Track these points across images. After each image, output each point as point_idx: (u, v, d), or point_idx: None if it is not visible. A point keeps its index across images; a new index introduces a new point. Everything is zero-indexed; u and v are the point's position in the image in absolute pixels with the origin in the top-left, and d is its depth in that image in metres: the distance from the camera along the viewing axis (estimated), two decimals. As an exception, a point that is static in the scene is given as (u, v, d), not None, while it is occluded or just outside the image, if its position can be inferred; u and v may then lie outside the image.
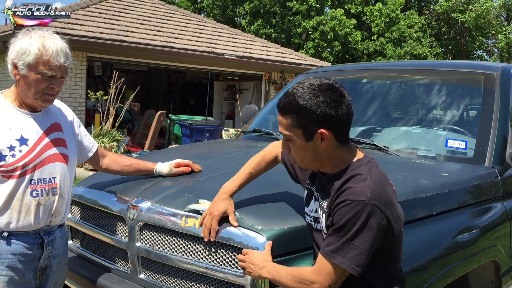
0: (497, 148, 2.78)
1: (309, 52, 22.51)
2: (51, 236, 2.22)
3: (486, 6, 24.69)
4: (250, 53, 13.04)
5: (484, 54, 29.17)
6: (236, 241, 1.93)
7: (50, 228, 2.22)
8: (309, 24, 23.15)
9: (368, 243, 1.51)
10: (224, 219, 1.99)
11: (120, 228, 2.41)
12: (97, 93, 9.99)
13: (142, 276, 2.29)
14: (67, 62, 2.10)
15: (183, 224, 2.08)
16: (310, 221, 1.80)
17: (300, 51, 20.54)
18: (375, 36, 24.55)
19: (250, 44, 13.91)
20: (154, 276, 2.25)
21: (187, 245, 2.10)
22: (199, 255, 2.05)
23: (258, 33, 23.42)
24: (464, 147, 2.87)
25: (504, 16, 28.75)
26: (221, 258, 1.99)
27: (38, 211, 2.12)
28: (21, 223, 2.10)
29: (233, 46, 13.13)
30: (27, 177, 2.09)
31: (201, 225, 2.00)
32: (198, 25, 14.15)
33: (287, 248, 1.90)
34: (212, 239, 1.96)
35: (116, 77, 9.71)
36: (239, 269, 1.94)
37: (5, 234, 2.09)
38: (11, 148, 2.07)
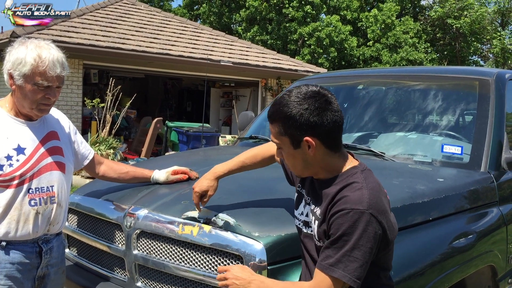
0: (492, 153, 2.80)
1: (305, 58, 22.59)
2: (49, 244, 2.21)
3: (480, 12, 24.86)
4: (247, 59, 13.08)
5: (479, 59, 29.33)
6: (233, 248, 1.93)
7: (48, 236, 2.21)
8: (305, 31, 23.24)
9: (367, 254, 1.49)
10: (225, 227, 2.00)
11: (117, 236, 2.40)
12: (93, 101, 9.98)
13: (139, 284, 2.29)
14: (64, 72, 2.10)
15: (180, 232, 2.08)
16: (299, 224, 1.79)
17: (296, 58, 20.61)
18: (371, 42, 24.67)
19: (247, 51, 13.95)
20: (151, 284, 2.25)
21: (184, 253, 2.09)
22: (197, 263, 2.05)
23: (254, 40, 23.50)
24: (460, 152, 2.87)
25: (499, 21, 28.93)
26: (218, 265, 1.99)
27: (36, 220, 2.12)
28: (19, 233, 2.09)
29: (229, 53, 13.17)
30: (25, 186, 2.09)
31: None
32: (195, 32, 14.19)
33: (284, 255, 1.90)
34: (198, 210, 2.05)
35: (112, 84, 9.71)
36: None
37: (3, 243, 2.08)
38: (8, 157, 2.06)
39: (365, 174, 1.60)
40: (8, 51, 2.09)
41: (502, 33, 26.54)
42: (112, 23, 12.47)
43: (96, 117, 9.95)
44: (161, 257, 2.18)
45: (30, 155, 2.11)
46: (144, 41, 11.82)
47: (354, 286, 1.50)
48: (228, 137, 11.52)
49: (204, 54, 12.03)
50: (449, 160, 2.87)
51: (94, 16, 12.56)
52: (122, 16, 13.31)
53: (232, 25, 28.41)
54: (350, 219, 1.48)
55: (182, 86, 18.04)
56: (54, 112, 2.33)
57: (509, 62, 25.79)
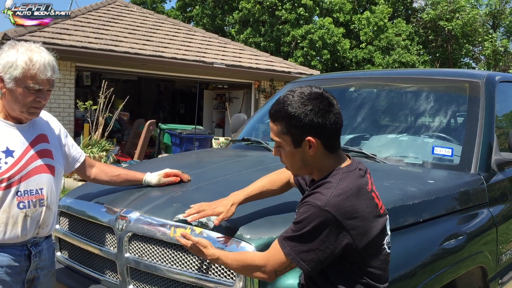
0: (482, 155, 2.82)
1: (298, 60, 22.64)
2: (38, 247, 2.21)
3: (472, 14, 25.03)
4: (240, 61, 13.09)
5: (471, 61, 29.51)
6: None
7: (37, 239, 2.20)
8: (298, 33, 23.29)
9: (316, 244, 1.55)
10: (216, 229, 2.00)
11: (108, 239, 2.40)
12: (86, 103, 9.94)
13: (131, 287, 2.28)
14: (54, 75, 2.10)
15: (172, 234, 2.08)
16: None
17: (289, 60, 20.65)
18: (363, 44, 24.76)
19: (240, 53, 13.96)
20: (143, 287, 2.25)
21: (176, 255, 2.10)
22: (188, 265, 2.05)
23: (248, 42, 23.52)
24: (450, 154, 2.89)
25: (490, 23, 29.14)
26: (210, 268, 1.99)
27: (25, 223, 2.11)
28: (8, 235, 2.08)
29: (222, 55, 13.17)
30: (13, 189, 2.08)
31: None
32: (188, 34, 14.18)
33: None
34: (189, 220, 2.03)
35: (105, 86, 9.68)
36: (229, 278, 1.94)
37: (-8, 246, 2.07)
38: (-3, 160, 2.06)
39: (344, 175, 1.64)
40: None
41: (493, 35, 26.73)
42: (104, 25, 12.44)
43: (89, 119, 9.90)
44: (153, 259, 2.18)
45: (19, 157, 2.11)
46: (137, 43, 11.79)
47: (299, 267, 1.59)
48: (221, 139, 11.51)
49: (197, 56, 12.03)
50: (439, 162, 2.88)
51: (87, 18, 12.52)
52: (114, 18, 13.28)
53: (225, 27, 28.42)
54: (307, 211, 1.57)
55: (175, 88, 18.02)
56: (44, 114, 2.33)
57: (501, 64, 25.99)
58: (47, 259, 2.27)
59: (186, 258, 2.06)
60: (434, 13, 25.66)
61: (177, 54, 11.98)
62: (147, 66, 11.65)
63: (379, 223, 1.65)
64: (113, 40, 11.43)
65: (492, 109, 3.05)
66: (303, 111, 1.61)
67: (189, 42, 13.43)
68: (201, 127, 12.34)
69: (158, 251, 2.16)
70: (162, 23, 14.47)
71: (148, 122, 10.64)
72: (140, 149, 10.33)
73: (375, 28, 24.21)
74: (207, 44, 13.72)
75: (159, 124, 11.62)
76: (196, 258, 2.03)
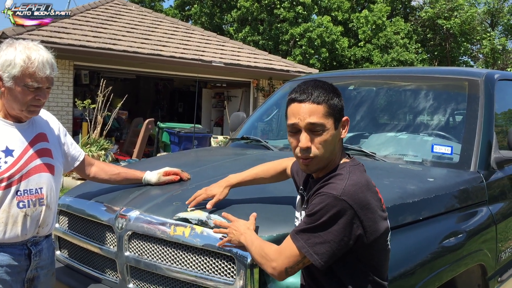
0: (482, 153, 2.82)
1: (297, 59, 22.62)
2: (38, 247, 2.20)
3: (470, 12, 25.04)
4: (238, 60, 13.08)
5: (469, 59, 29.53)
6: (225, 249, 1.93)
7: (37, 239, 2.20)
8: (296, 31, 23.28)
9: (331, 235, 1.53)
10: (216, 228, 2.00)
11: (108, 237, 2.40)
12: (84, 102, 9.94)
13: (131, 285, 2.28)
14: (53, 73, 2.09)
15: (172, 233, 2.08)
16: None
17: (287, 58, 20.64)
18: (362, 43, 24.76)
19: (238, 52, 13.95)
20: (143, 286, 2.24)
21: (176, 254, 2.09)
22: (189, 264, 2.05)
23: (246, 40, 23.49)
24: (450, 152, 2.89)
25: (488, 22, 29.16)
26: (210, 267, 1.99)
27: (25, 222, 2.10)
28: (8, 235, 2.08)
29: (221, 54, 13.16)
30: (13, 188, 2.07)
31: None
32: (186, 32, 14.17)
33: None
34: (189, 207, 2.11)
35: (103, 85, 9.67)
36: (229, 277, 1.94)
37: (-8, 246, 2.07)
38: (-3, 159, 2.05)
39: (352, 168, 1.67)
40: None
41: (492, 33, 26.75)
42: (102, 23, 12.42)
43: (87, 118, 9.91)
44: (153, 258, 2.17)
45: (18, 157, 2.10)
46: (135, 42, 11.78)
47: (312, 260, 1.56)
48: (220, 137, 11.51)
49: (196, 54, 12.02)
50: (439, 160, 2.88)
51: (85, 16, 12.50)
52: (113, 17, 13.26)
53: (223, 26, 28.40)
54: (323, 201, 1.55)
55: (174, 87, 18.00)
56: (44, 113, 2.32)
57: (499, 62, 26.01)
58: (47, 258, 2.27)
59: (187, 256, 2.06)
60: (432, 11, 25.67)
61: (176, 52, 11.97)
62: (146, 64, 11.64)
63: (386, 222, 1.67)
64: (111, 39, 11.42)
65: (492, 107, 3.05)
66: (339, 95, 1.71)
67: (188, 40, 13.42)
68: (199, 126, 12.34)
69: (158, 249, 2.16)
70: (160, 21, 14.46)
71: (147, 120, 10.63)
72: (139, 147, 10.33)
73: (374, 27, 24.21)
74: (205, 43, 13.71)
75: (158, 122, 11.61)
76: (196, 257, 2.03)
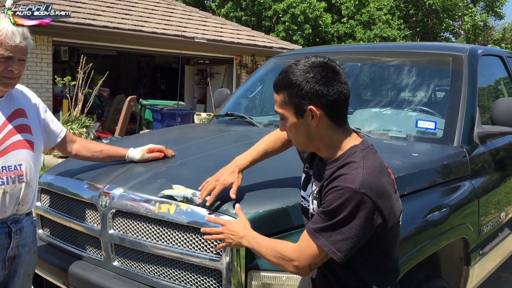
0: (465, 128, 2.84)
1: (280, 35, 22.43)
2: (18, 225, 2.16)
3: (452, -12, 25.03)
4: (221, 36, 12.92)
5: (450, 36, 29.63)
6: (211, 226, 1.92)
7: (18, 216, 2.16)
8: (279, 7, 23.03)
9: (353, 230, 1.45)
10: (202, 205, 1.98)
11: (92, 215, 2.37)
12: (64, 79, 9.75)
13: (116, 263, 2.27)
14: (24, 42, 2.03)
15: (157, 210, 2.06)
16: (308, 206, 1.72)
17: (271, 34, 20.45)
18: (345, 19, 24.62)
19: (221, 28, 13.77)
20: (128, 263, 2.23)
21: (161, 231, 2.08)
22: (174, 241, 2.04)
23: (229, 16, 23.19)
24: (433, 127, 2.90)
25: (470, -2, 29.21)
26: (196, 243, 1.98)
27: (4, 200, 2.06)
28: (-13, 213, 2.04)
29: (203, 30, 12.98)
30: None
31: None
32: (167, 8, 13.91)
33: (264, 231, 1.90)
34: (208, 203, 1.93)
35: (83, 62, 9.49)
36: (215, 253, 1.93)
37: (-29, 224, 2.03)
38: (-27, 136, 2.00)
39: (364, 153, 1.55)
40: None
41: (473, 9, 26.81)
42: (81, -2, 12.11)
43: (68, 95, 9.73)
44: (137, 236, 2.16)
45: None
46: (115, 17, 11.53)
47: (335, 258, 1.48)
48: (203, 114, 11.43)
49: (178, 30, 11.82)
50: (423, 135, 2.89)
51: (63, -9, 12.16)
52: (92, -9, 12.93)
53: (205, 1, 27.94)
54: (341, 196, 1.45)
55: (156, 63, 17.75)
56: (23, 89, 2.26)
57: (480, 38, 26.15)
58: (28, 237, 2.23)
59: (172, 234, 2.05)
60: (415, -13, 25.58)
61: (157, 28, 11.77)
62: (127, 40, 11.43)
63: (399, 201, 1.62)
64: (91, 14, 11.16)
65: (475, 82, 3.06)
66: (305, 78, 1.52)
67: (169, 16, 13.18)
68: (182, 103, 12.23)
69: (143, 227, 2.14)
70: (141, -4, 14.16)
71: (129, 98, 10.49)
72: (121, 125, 10.21)
73: (357, 3, 24.07)
74: (187, 19, 13.50)
75: (140, 100, 11.48)
76: (182, 234, 2.02)
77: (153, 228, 2.10)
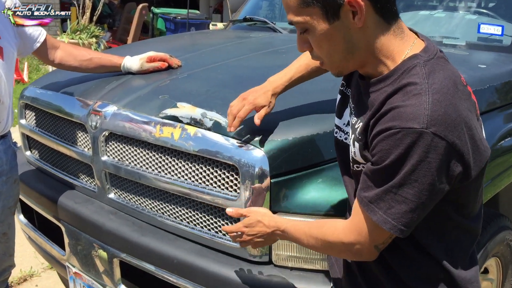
0: (542, 33, 2.30)
1: None
2: (-11, 151, 1.76)
3: None
4: None
5: None
6: (225, 156, 1.50)
7: (-14, 141, 1.75)
8: None
9: (424, 193, 0.97)
10: (214, 129, 1.54)
11: (81, 138, 1.95)
12: (70, -16, 9.09)
13: (112, 195, 1.88)
14: None
15: (158, 134, 1.63)
16: (345, 138, 1.23)
17: None
18: None
19: None
20: (126, 196, 1.84)
21: (163, 160, 1.66)
22: (180, 173, 1.62)
23: None
24: (500, 33, 2.39)
25: None
26: (207, 177, 1.56)
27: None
28: None
29: None
30: None
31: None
32: None
33: (292, 165, 1.48)
34: (231, 128, 1.46)
35: (89, -36, 8.76)
36: (231, 191, 1.53)
37: None
38: None
39: (429, 66, 1.00)
40: None
41: None
42: None
43: (75, 2, 9.12)
44: (135, 165, 1.75)
45: None
46: None
47: (400, 236, 1.02)
48: (220, 25, 10.71)
49: None
50: (486, 42, 2.38)
51: None
52: None
53: None
54: (399, 143, 0.95)
55: (169, -32, 16.69)
56: None
57: None
58: (5, 163, 1.84)
59: (176, 164, 1.63)
60: None
61: None
62: None
63: (483, 132, 1.09)
64: None
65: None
66: None
67: None
68: (197, 12, 11.50)
69: (142, 154, 1.72)
70: None
71: (140, 6, 9.80)
72: (133, 35, 9.63)
73: None
74: None
75: (152, 8, 10.79)
76: (188, 165, 1.59)
77: (154, 156, 1.68)
